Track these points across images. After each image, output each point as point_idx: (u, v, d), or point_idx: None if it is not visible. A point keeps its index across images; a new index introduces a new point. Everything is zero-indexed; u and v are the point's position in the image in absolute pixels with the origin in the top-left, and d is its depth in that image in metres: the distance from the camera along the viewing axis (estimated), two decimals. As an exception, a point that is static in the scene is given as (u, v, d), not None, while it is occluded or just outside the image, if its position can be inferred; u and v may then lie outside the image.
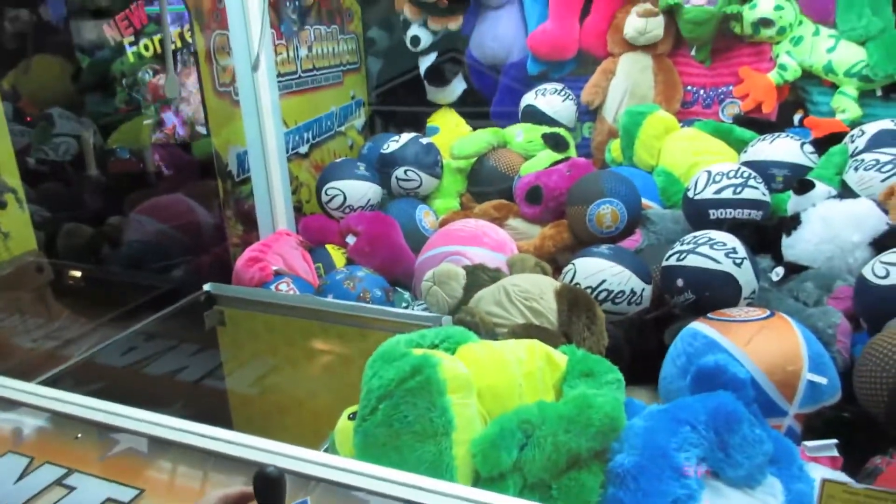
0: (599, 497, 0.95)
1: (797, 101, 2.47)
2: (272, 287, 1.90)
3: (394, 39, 2.95)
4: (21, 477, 0.80)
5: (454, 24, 2.73)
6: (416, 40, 2.73)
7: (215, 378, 1.85)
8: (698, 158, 2.16)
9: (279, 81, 2.35)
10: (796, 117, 2.43)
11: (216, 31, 2.14)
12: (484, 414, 1.02)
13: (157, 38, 3.22)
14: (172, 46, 2.68)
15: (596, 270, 1.68)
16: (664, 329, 1.60)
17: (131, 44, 3.22)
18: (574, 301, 1.44)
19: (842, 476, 1.08)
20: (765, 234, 1.81)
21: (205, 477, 0.79)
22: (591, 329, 1.41)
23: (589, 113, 2.69)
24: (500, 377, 1.05)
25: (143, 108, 3.09)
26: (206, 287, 1.83)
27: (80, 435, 0.88)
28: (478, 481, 0.95)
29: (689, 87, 2.56)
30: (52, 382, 1.16)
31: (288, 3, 2.48)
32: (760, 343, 1.37)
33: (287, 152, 2.46)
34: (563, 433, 0.95)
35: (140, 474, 0.80)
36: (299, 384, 1.73)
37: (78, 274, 2.16)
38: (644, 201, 2.12)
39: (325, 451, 1.02)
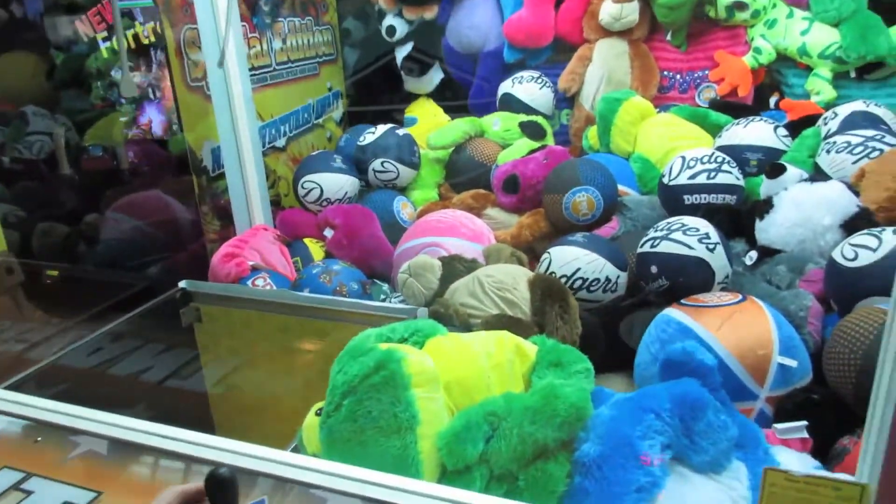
0: (566, 486, 0.96)
1: (773, 84, 2.48)
2: (249, 282, 1.89)
3: (369, 30, 2.93)
4: (-23, 483, 0.80)
5: (429, 13, 2.71)
6: (391, 30, 2.71)
7: (194, 375, 1.85)
8: (674, 144, 2.17)
9: (253, 74, 2.33)
10: (772, 100, 2.44)
11: (186, 26, 2.11)
12: (451, 407, 1.02)
13: (129, 32, 3.18)
14: (146, 41, 2.65)
15: (571, 259, 1.68)
16: (639, 317, 1.61)
17: (104, 39, 3.17)
18: (547, 290, 1.44)
19: (808, 459, 1.09)
20: (739, 218, 1.81)
21: (164, 477, 0.78)
22: (563, 318, 1.41)
23: (566, 100, 2.68)
24: (468, 370, 1.05)
25: (116, 105, 3.05)
26: (182, 284, 1.83)
27: (39, 438, 0.88)
28: (444, 474, 0.95)
29: (665, 73, 2.55)
30: (19, 385, 1.15)
31: (260, -5, 2.46)
32: (731, 328, 1.38)
33: (263, 146, 2.44)
34: (529, 424, 0.96)
35: (99, 476, 0.80)
36: (277, 380, 1.73)
37: (51, 274, 2.15)
38: (621, 188, 2.12)
39: (294, 448, 1.03)
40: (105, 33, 3.20)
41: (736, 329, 1.36)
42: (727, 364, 1.32)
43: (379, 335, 1.15)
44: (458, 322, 1.49)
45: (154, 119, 2.83)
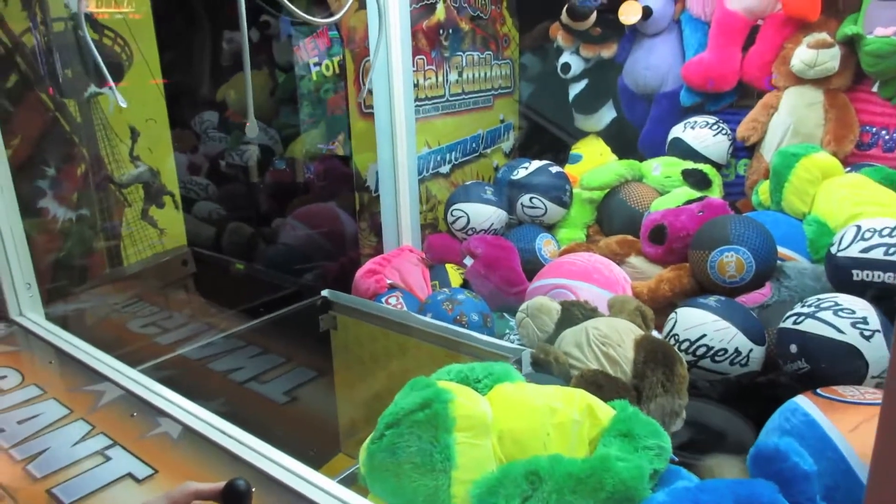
0: (601, 567, 0.90)
1: None
2: (383, 299, 2.01)
3: (547, 66, 2.96)
4: (79, 441, 0.96)
5: (607, 51, 2.68)
6: (566, 67, 2.72)
7: (325, 377, 2.01)
8: (859, 210, 1.91)
9: (426, 104, 2.48)
10: None
11: (366, 58, 2.31)
12: (501, 457, 1.01)
13: (336, 59, 3.55)
14: (332, 73, 2.95)
15: (697, 323, 1.56)
16: (769, 396, 1.44)
17: (315, 64, 3.57)
18: (651, 354, 1.36)
19: None
20: (917, 305, 1.55)
21: (210, 469, 0.88)
22: (665, 386, 1.31)
23: (747, 149, 2.48)
24: (525, 422, 1.03)
25: (317, 123, 3.41)
26: (324, 293, 1.99)
27: (135, 414, 1.03)
28: (476, 524, 0.95)
29: (867, 128, 2.26)
30: (163, 366, 1.35)
31: (442, 31, 2.60)
32: (870, 431, 1.19)
33: (428, 171, 2.58)
34: (570, 493, 0.92)
35: (161, 457, 0.92)
36: (391, 393, 1.81)
37: (239, 267, 2.46)
38: (786, 252, 1.92)
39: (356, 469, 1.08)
40: (316, 59, 3.60)
41: (874, 433, 1.17)
42: (856, 473, 1.14)
43: (459, 371, 1.18)
44: (557, 371, 1.46)
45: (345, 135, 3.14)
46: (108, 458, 0.93)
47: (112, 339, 1.57)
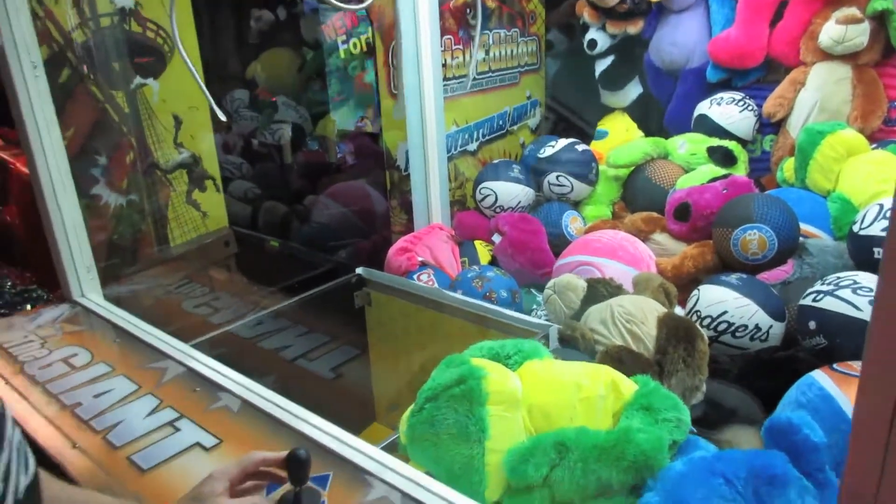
0: (623, 529, 0.98)
1: None
2: (415, 276, 2.09)
3: (573, 42, 2.98)
4: (149, 414, 1.07)
5: (633, 28, 2.68)
6: (592, 44, 2.74)
7: (361, 351, 2.11)
8: (884, 187, 1.93)
9: (453, 83, 2.52)
10: None
11: (395, 41, 2.36)
12: (531, 429, 1.09)
13: (364, 37, 3.59)
14: (360, 51, 3.00)
15: (719, 300, 1.62)
16: (787, 370, 1.50)
17: (343, 42, 3.62)
18: (673, 330, 1.42)
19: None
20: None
21: (269, 439, 0.98)
22: (686, 361, 1.38)
23: (773, 125, 2.49)
24: (553, 397, 1.11)
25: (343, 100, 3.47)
26: (359, 270, 2.08)
27: (197, 388, 1.13)
28: (508, 490, 1.03)
29: (895, 103, 2.26)
30: (211, 342, 1.45)
31: (469, 10, 2.63)
32: (883, 405, 1.25)
33: (456, 149, 2.64)
34: (595, 461, 1.00)
35: (226, 428, 1.02)
36: (420, 369, 1.91)
37: (273, 244, 2.55)
38: (809, 229, 1.96)
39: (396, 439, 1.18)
40: (344, 37, 3.65)
41: (886, 408, 1.23)
42: (868, 444, 1.21)
43: (490, 348, 1.26)
44: (584, 346, 1.53)
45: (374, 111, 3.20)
46: (177, 429, 1.03)
47: (164, 317, 1.68)
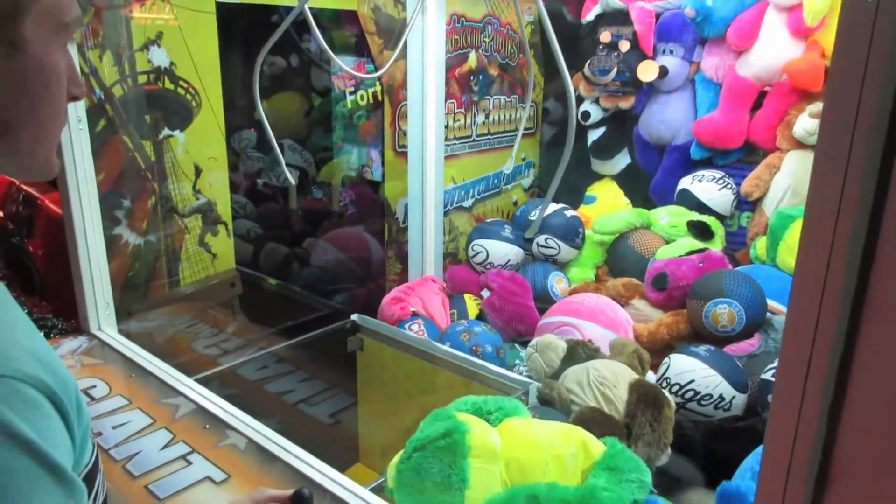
0: (584, 578, 1.10)
1: None
2: (406, 326, 2.21)
3: (567, 112, 3.16)
4: (165, 446, 1.18)
5: (625, 103, 2.88)
6: (586, 115, 2.92)
7: (339, 400, 2.21)
8: (845, 270, 2.09)
9: (454, 143, 2.69)
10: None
11: (402, 102, 2.53)
12: (507, 482, 1.21)
13: (371, 90, 3.78)
14: (367, 102, 3.19)
15: (687, 369, 1.76)
16: (746, 440, 1.63)
17: (351, 93, 3.81)
18: (643, 396, 1.55)
19: None
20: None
21: (272, 477, 1.09)
22: (653, 426, 1.51)
23: (750, 203, 2.67)
24: (529, 454, 1.23)
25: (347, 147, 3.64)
26: (354, 317, 2.20)
27: (207, 426, 1.24)
28: (483, 535, 1.14)
29: (862, 191, 2.44)
30: (212, 379, 1.56)
31: (473, 77, 2.82)
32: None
33: (452, 205, 2.79)
34: (562, 515, 1.11)
35: (233, 464, 1.12)
36: (408, 415, 2.02)
37: (272, 282, 2.68)
38: (777, 306, 2.10)
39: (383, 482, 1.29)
40: (353, 88, 3.84)
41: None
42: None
43: (474, 403, 1.38)
44: (559, 405, 1.65)
45: (375, 160, 3.36)
46: (189, 463, 1.14)
47: (174, 353, 1.80)
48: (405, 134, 2.57)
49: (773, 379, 1.65)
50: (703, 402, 1.73)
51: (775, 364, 1.68)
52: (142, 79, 1.73)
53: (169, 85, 1.80)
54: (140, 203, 1.80)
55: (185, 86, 1.82)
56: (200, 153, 1.90)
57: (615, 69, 2.77)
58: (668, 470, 1.52)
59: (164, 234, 1.85)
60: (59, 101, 0.59)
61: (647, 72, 2.68)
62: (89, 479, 0.58)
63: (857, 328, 0.53)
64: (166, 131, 1.82)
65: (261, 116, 1.50)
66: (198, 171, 1.91)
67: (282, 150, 3.94)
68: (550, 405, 1.69)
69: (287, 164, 3.72)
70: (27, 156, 0.58)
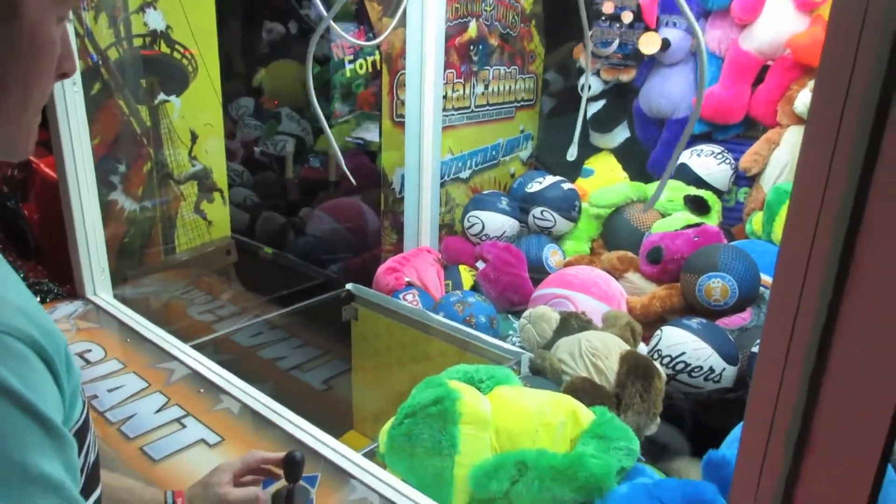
0: (570, 541, 1.12)
1: None
2: (401, 296, 2.22)
3: (568, 83, 3.14)
4: (159, 410, 1.19)
5: (626, 76, 2.85)
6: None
7: (333, 366, 2.23)
8: (840, 247, 2.10)
9: (453, 114, 2.67)
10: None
11: (401, 71, 2.51)
12: (496, 448, 1.23)
13: (370, 59, 3.74)
14: (365, 71, 3.16)
15: (679, 341, 1.77)
16: (735, 411, 1.65)
17: (350, 61, 3.77)
18: (633, 367, 1.56)
19: None
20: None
21: (266, 440, 1.11)
22: (642, 396, 1.52)
23: (747, 179, 2.66)
24: (519, 422, 1.25)
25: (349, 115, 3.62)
26: (348, 286, 2.21)
27: (202, 390, 1.26)
28: (472, 500, 1.17)
29: (859, 168, 2.43)
30: (207, 345, 1.58)
31: (472, 47, 2.79)
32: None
33: (449, 176, 2.78)
34: (550, 480, 1.13)
35: (227, 428, 1.14)
36: (400, 384, 2.04)
37: (268, 251, 2.68)
38: (769, 280, 2.12)
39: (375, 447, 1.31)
40: (352, 56, 3.79)
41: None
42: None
43: (465, 371, 1.40)
44: (551, 375, 1.67)
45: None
46: (183, 426, 1.15)
47: (169, 319, 1.81)
48: (403, 103, 2.55)
49: (763, 352, 1.67)
50: (693, 374, 1.74)
51: (766, 338, 1.69)
52: (137, 42, 1.71)
53: (165, 49, 1.78)
54: (135, 168, 1.79)
55: (182, 50, 1.81)
56: (196, 119, 1.89)
57: (617, 41, 2.75)
58: (656, 439, 1.54)
59: (159, 200, 1.84)
60: (49, 73, 0.59)
61: (649, 44, 2.65)
62: (80, 434, 0.59)
63: (840, 299, 0.54)
64: (162, 96, 1.81)
65: (315, 109, 1.47)
66: (194, 138, 1.90)
67: (279, 119, 3.93)
68: (542, 375, 1.70)
69: (284, 133, 3.72)
70: (13, 124, 0.58)
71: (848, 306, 0.53)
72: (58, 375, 0.54)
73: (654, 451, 1.52)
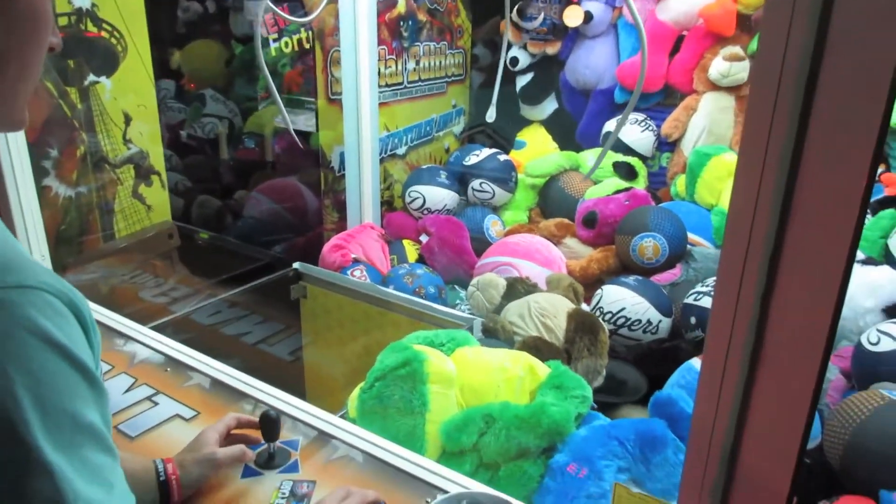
0: (537, 483, 1.20)
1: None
2: (348, 272, 2.25)
3: (496, 57, 3.20)
4: (127, 390, 1.18)
5: (552, 49, 2.94)
6: (514, 61, 2.97)
7: (294, 340, 2.24)
8: (756, 203, 2.26)
9: (386, 91, 2.69)
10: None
11: (334, 48, 2.50)
12: (462, 404, 1.29)
13: (296, 37, 3.68)
14: (308, 45, 3.11)
15: (618, 298, 1.88)
16: (672, 358, 1.78)
17: (275, 40, 3.69)
18: (581, 324, 1.66)
19: None
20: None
21: (240, 408, 1.13)
22: (590, 350, 1.63)
23: (669, 144, 2.81)
24: (481, 378, 1.32)
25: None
26: (295, 265, 2.21)
27: (168, 369, 1.26)
28: (443, 454, 1.23)
29: (769, 130, 2.62)
30: (162, 328, 1.56)
31: (402, 23, 2.81)
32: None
33: (386, 152, 2.80)
34: (515, 429, 1.21)
35: (201, 402, 1.15)
36: (353, 357, 2.08)
37: (203, 236, 2.64)
38: (696, 238, 2.27)
39: (344, 412, 1.35)
40: (276, 35, 3.72)
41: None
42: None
43: (426, 337, 1.45)
44: (504, 336, 1.75)
45: (304, 113, 3.30)
46: (155, 403, 1.15)
47: (120, 304, 1.77)
48: (338, 81, 2.55)
49: (694, 303, 1.80)
50: (633, 328, 1.86)
51: (697, 289, 1.83)
52: (62, 21, 1.64)
53: (91, 28, 1.72)
54: (68, 153, 1.73)
55: (109, 28, 1.74)
56: (129, 101, 1.83)
57: (542, 15, 2.83)
58: (616, 376, 1.65)
59: (95, 185, 1.79)
60: (44, 46, 0.60)
61: (572, 16, 2.75)
62: None
63: (784, 230, 0.62)
64: (91, 77, 1.74)
65: (270, 87, 1.45)
66: (127, 120, 1.85)
67: (203, 102, 3.82)
68: (495, 338, 1.78)
69: (211, 115, 3.62)
70: (11, 97, 0.58)
71: (791, 236, 0.61)
72: (88, 333, 0.56)
73: (615, 388, 1.63)
